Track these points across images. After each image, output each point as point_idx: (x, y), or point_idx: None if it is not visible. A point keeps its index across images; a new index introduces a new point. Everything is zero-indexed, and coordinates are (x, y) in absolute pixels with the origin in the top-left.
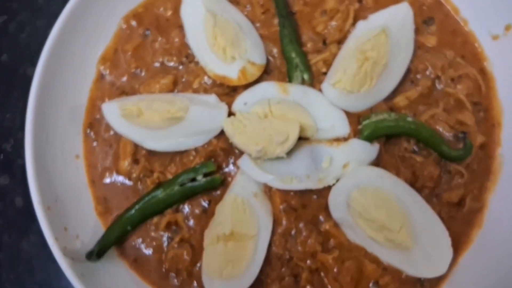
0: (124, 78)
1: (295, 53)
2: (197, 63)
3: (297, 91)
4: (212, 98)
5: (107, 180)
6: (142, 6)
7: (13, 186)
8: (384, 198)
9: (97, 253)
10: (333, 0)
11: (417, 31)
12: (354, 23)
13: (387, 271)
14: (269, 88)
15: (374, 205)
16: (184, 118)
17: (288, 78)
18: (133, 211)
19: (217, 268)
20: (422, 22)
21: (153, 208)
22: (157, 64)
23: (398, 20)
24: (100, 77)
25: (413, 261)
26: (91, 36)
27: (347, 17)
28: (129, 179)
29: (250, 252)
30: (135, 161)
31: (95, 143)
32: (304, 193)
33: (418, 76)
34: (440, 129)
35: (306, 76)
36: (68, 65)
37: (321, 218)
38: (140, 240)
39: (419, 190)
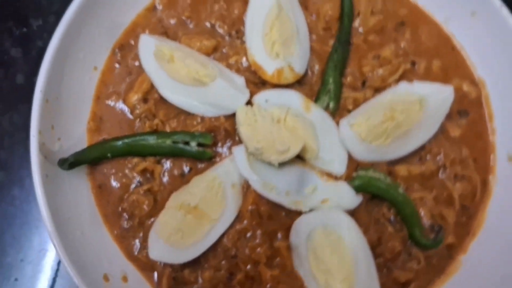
0: (173, 21)
1: (333, 79)
2: (243, 41)
3: (317, 113)
4: (240, 80)
5: (111, 103)
6: None
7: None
8: (342, 247)
9: (70, 163)
10: (390, 50)
11: (448, 116)
12: (398, 80)
13: None
14: (294, 98)
15: (331, 249)
16: (207, 85)
17: (316, 98)
18: (120, 142)
19: (167, 231)
20: (457, 111)
21: (139, 149)
22: (207, 24)
23: (438, 99)
24: (153, 8)
25: None
26: None
27: (395, 71)
28: (131, 113)
29: (203, 232)
30: (145, 99)
31: (117, 65)
32: (275, 206)
33: (428, 157)
34: (422, 213)
35: (332, 105)
36: None
37: (279, 235)
38: (113, 170)
39: (376, 255)
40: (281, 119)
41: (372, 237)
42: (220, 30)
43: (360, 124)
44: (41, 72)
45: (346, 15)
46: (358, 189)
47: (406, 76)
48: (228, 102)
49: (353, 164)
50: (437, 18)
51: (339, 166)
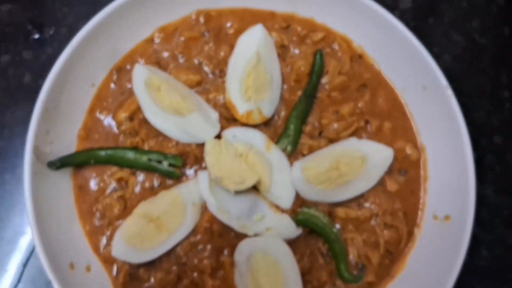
0: (166, 54)
1: (294, 126)
2: (224, 81)
3: (276, 154)
4: (215, 115)
5: (101, 117)
6: (216, 11)
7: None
8: (276, 271)
9: (57, 165)
10: (348, 108)
11: (389, 172)
12: (350, 135)
13: None
14: (258, 138)
15: (266, 271)
16: (185, 116)
17: (277, 140)
18: (103, 152)
19: (129, 234)
20: (398, 169)
21: (118, 160)
22: (196, 61)
23: (378, 158)
24: (151, 40)
25: None
26: (161, 7)
27: (348, 127)
28: (118, 127)
29: (160, 240)
30: (131, 118)
31: (112, 85)
32: (226, 227)
33: (366, 204)
34: (350, 252)
35: (289, 148)
36: (132, 17)
37: (226, 251)
38: (94, 174)
39: (305, 282)
40: (243, 154)
41: (304, 265)
42: (206, 68)
43: (309, 168)
44: (45, 85)
45: (315, 73)
46: (299, 223)
47: (358, 132)
48: (200, 133)
49: (299, 201)
50: (396, 86)
51: (286, 201)
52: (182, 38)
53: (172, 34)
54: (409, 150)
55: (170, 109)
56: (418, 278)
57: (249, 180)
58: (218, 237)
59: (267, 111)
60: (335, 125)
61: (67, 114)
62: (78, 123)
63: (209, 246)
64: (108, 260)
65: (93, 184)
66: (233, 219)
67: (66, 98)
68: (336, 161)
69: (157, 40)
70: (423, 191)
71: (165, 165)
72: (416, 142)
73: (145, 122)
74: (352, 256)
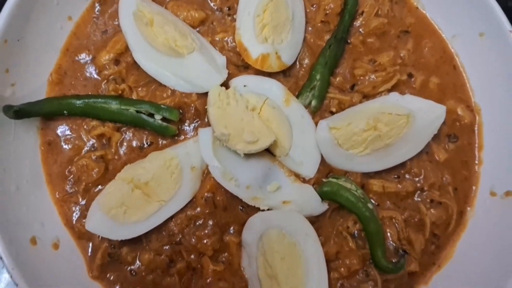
0: None
1: (321, 76)
2: (233, 19)
3: (297, 109)
4: (222, 59)
5: (80, 58)
6: None
7: None
8: (295, 255)
9: (16, 110)
10: (388, 57)
11: (436, 137)
12: (390, 90)
13: None
14: (275, 88)
15: (282, 254)
16: (183, 57)
17: (299, 93)
18: (80, 101)
19: (109, 204)
20: (447, 134)
21: (99, 112)
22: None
23: (427, 117)
24: None
25: None
26: None
27: (389, 80)
28: (99, 73)
29: (148, 211)
30: (116, 61)
31: (94, 19)
32: (233, 198)
33: (407, 176)
34: (389, 234)
35: (314, 103)
36: None
37: (232, 229)
38: (66, 128)
39: (331, 269)
40: (257, 108)
41: (330, 250)
42: (212, 4)
43: (340, 128)
44: (4, 9)
45: (348, 11)
46: (325, 196)
47: (399, 87)
48: (202, 79)
49: (326, 169)
50: (445, 34)
51: (310, 169)
52: None
53: None
54: (460, 111)
55: (165, 48)
56: (470, 268)
57: (263, 140)
58: (223, 211)
59: (287, 57)
60: (372, 77)
61: (35, 51)
62: (49, 65)
63: (210, 222)
64: (82, 236)
65: (66, 141)
66: (242, 189)
67: (34, 30)
68: (374, 119)
69: None
70: (478, 161)
71: (157, 119)
72: (470, 102)
73: (134, 66)
74: (390, 239)
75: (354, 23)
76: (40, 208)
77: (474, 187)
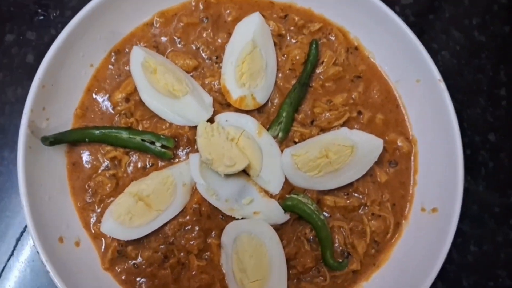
0: (165, 39)
1: (286, 114)
2: (220, 67)
3: (267, 139)
4: (209, 99)
5: (98, 97)
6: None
7: (35, 44)
8: (261, 253)
9: (51, 141)
10: (342, 98)
11: (379, 163)
12: (342, 125)
13: None
14: (250, 123)
15: (251, 253)
16: (179, 98)
17: (269, 126)
18: (97, 131)
19: (119, 212)
20: (388, 161)
21: (112, 140)
22: (193, 47)
23: (368, 147)
24: (150, 24)
25: None
26: None
27: (341, 117)
28: (113, 108)
29: (148, 219)
30: (127, 99)
31: (111, 66)
32: (215, 209)
33: (354, 194)
34: (337, 240)
35: (281, 135)
36: (133, 0)
37: (214, 233)
38: (88, 152)
39: (290, 267)
40: (235, 138)
41: (290, 251)
42: (203, 54)
43: (299, 155)
44: (43, 62)
45: (310, 62)
46: (287, 208)
47: (350, 122)
48: (193, 116)
49: (289, 187)
50: (390, 79)
51: (275, 186)
52: (181, 24)
53: (172, 19)
54: (400, 142)
55: (165, 91)
56: (402, 268)
57: (240, 163)
58: (207, 219)
59: (261, 98)
60: (327, 114)
61: (65, 92)
62: (75, 102)
63: (197, 227)
64: (97, 236)
65: (86, 162)
66: (222, 202)
67: (64, 76)
68: (325, 149)
69: (156, 25)
70: (413, 183)
71: (158, 146)
72: (408, 135)
73: (140, 104)
74: (338, 243)
75: (316, 71)
76: (66, 213)
77: (408, 204)
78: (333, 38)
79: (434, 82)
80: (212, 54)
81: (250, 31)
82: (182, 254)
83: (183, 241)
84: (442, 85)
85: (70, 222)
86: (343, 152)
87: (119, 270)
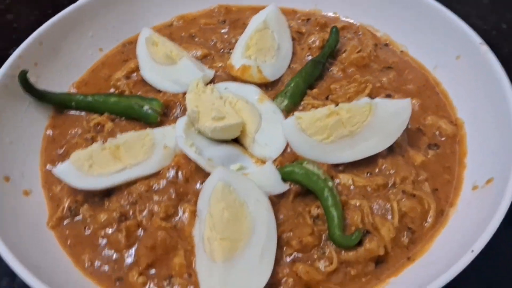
0: (183, 34)
1: (295, 83)
2: (230, 53)
3: (269, 106)
4: (211, 72)
5: (100, 75)
6: (237, 7)
7: None
8: (240, 214)
9: (23, 78)
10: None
11: (415, 147)
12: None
13: (191, 275)
14: (252, 92)
15: (225, 205)
16: (176, 63)
17: (274, 97)
18: (89, 97)
19: (79, 155)
20: (427, 144)
21: (100, 105)
22: (211, 43)
23: (392, 106)
24: (170, 25)
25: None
26: None
27: (362, 90)
28: (113, 85)
29: (111, 169)
30: (127, 77)
31: (121, 55)
32: (197, 174)
33: (377, 170)
34: (350, 216)
35: (286, 102)
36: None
37: (189, 198)
38: (72, 120)
39: (283, 243)
40: (232, 103)
41: (286, 228)
42: (217, 46)
43: (304, 117)
44: (47, 22)
45: (328, 44)
46: (285, 176)
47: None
48: (189, 79)
49: (291, 157)
50: (427, 66)
51: (273, 151)
52: (201, 24)
53: (191, 22)
54: (443, 124)
55: (163, 59)
56: (443, 262)
57: (230, 119)
58: (184, 182)
59: (269, 74)
60: (346, 87)
61: (64, 61)
62: (74, 77)
63: (171, 190)
64: (48, 181)
65: (69, 128)
66: (203, 158)
67: (66, 46)
68: (336, 107)
69: (176, 24)
70: (461, 166)
71: (146, 109)
72: (452, 118)
73: (139, 82)
74: (351, 221)
75: (337, 57)
76: (24, 163)
77: (456, 190)
78: (360, 35)
79: (476, 49)
80: (226, 47)
81: (263, 15)
82: (144, 215)
83: (150, 202)
84: (485, 47)
85: (27, 171)
86: (358, 110)
87: (66, 232)
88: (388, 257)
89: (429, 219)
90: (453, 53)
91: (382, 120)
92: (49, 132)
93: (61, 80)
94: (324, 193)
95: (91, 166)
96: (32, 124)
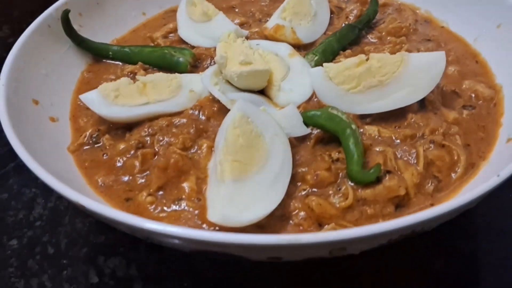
0: (224, 5)
1: (328, 42)
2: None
3: (299, 61)
4: (245, 32)
5: (140, 35)
6: None
7: None
8: (256, 142)
9: (69, 28)
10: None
11: (448, 105)
12: None
13: (200, 200)
14: (284, 48)
15: (240, 132)
16: (211, 20)
17: (305, 55)
18: (125, 48)
19: (106, 86)
20: (462, 106)
21: (135, 55)
22: (250, 13)
23: (425, 58)
24: None
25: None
26: None
27: (399, 50)
28: (152, 42)
29: (135, 102)
30: (165, 37)
31: (162, 20)
32: (220, 114)
33: (405, 124)
34: (373, 159)
35: (317, 58)
36: None
37: (208, 134)
38: (108, 67)
39: (297, 178)
40: (262, 55)
41: (302, 164)
42: (255, 15)
43: (333, 66)
44: None
45: (366, 13)
46: (308, 121)
47: None
48: (222, 33)
49: (317, 106)
50: (467, 39)
51: (299, 97)
52: None
53: None
54: (480, 88)
55: (200, 17)
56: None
57: (257, 65)
58: (206, 120)
59: (303, 36)
60: (381, 48)
61: (106, 18)
62: (114, 35)
63: (192, 129)
64: (75, 114)
65: (104, 73)
66: (227, 99)
67: (112, 5)
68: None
69: None
70: (497, 125)
71: (177, 58)
72: (491, 83)
73: (176, 41)
74: (372, 164)
75: (375, 28)
76: (57, 94)
77: (489, 145)
78: (401, 10)
79: None
80: (263, 17)
81: None
82: (162, 144)
83: (169, 136)
84: None
85: (56, 102)
86: (389, 60)
87: (84, 157)
88: (410, 203)
89: (458, 170)
90: (493, 22)
91: (414, 71)
92: (85, 74)
93: (102, 35)
94: (346, 132)
95: (117, 97)
96: (69, 65)
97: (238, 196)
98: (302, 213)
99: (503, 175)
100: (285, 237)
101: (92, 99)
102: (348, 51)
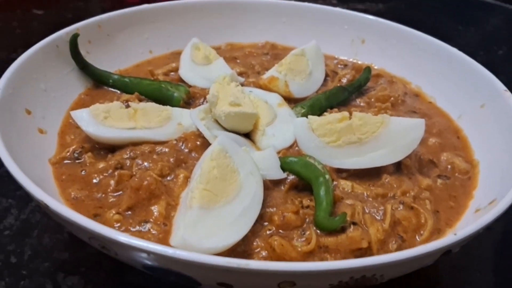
0: (227, 55)
1: (316, 98)
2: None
3: (286, 110)
4: (241, 79)
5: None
6: (283, 47)
7: None
8: (230, 176)
9: (76, 51)
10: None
11: (423, 173)
12: None
13: (166, 225)
14: (274, 98)
15: (216, 164)
16: (211, 64)
17: (294, 107)
18: (125, 78)
19: (98, 106)
20: (437, 175)
21: (134, 86)
22: (250, 65)
23: (405, 123)
24: (218, 48)
25: None
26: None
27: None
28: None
29: (123, 125)
30: (166, 74)
31: (168, 60)
32: (202, 148)
33: (379, 183)
34: (341, 209)
35: (304, 110)
36: (211, 24)
37: (187, 165)
38: (105, 94)
39: (266, 218)
40: (253, 101)
41: (271, 205)
42: (255, 68)
43: (317, 119)
44: (116, 11)
45: (358, 80)
46: (285, 166)
47: None
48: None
49: (297, 154)
50: (452, 115)
51: (280, 142)
52: (246, 51)
53: (238, 49)
54: (458, 161)
55: (201, 60)
56: None
57: (245, 107)
58: (188, 152)
59: (295, 90)
60: (367, 112)
61: (115, 48)
62: (119, 65)
63: (172, 159)
64: (64, 131)
65: (99, 98)
66: (211, 135)
67: (123, 39)
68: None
69: (223, 48)
70: (469, 197)
71: (172, 93)
72: (469, 158)
73: (176, 79)
74: (340, 212)
75: (365, 93)
76: (51, 108)
77: (459, 215)
78: (392, 83)
79: (499, 96)
80: (263, 70)
81: (303, 47)
82: (140, 168)
83: (148, 161)
84: (508, 94)
85: (48, 117)
86: (371, 120)
87: (63, 169)
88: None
89: (423, 233)
90: (478, 102)
91: (393, 134)
92: (82, 96)
93: (107, 64)
94: (318, 180)
95: (106, 118)
96: (69, 86)
97: (202, 223)
98: (264, 252)
99: (459, 234)
100: (235, 260)
101: (82, 116)
102: (335, 109)
